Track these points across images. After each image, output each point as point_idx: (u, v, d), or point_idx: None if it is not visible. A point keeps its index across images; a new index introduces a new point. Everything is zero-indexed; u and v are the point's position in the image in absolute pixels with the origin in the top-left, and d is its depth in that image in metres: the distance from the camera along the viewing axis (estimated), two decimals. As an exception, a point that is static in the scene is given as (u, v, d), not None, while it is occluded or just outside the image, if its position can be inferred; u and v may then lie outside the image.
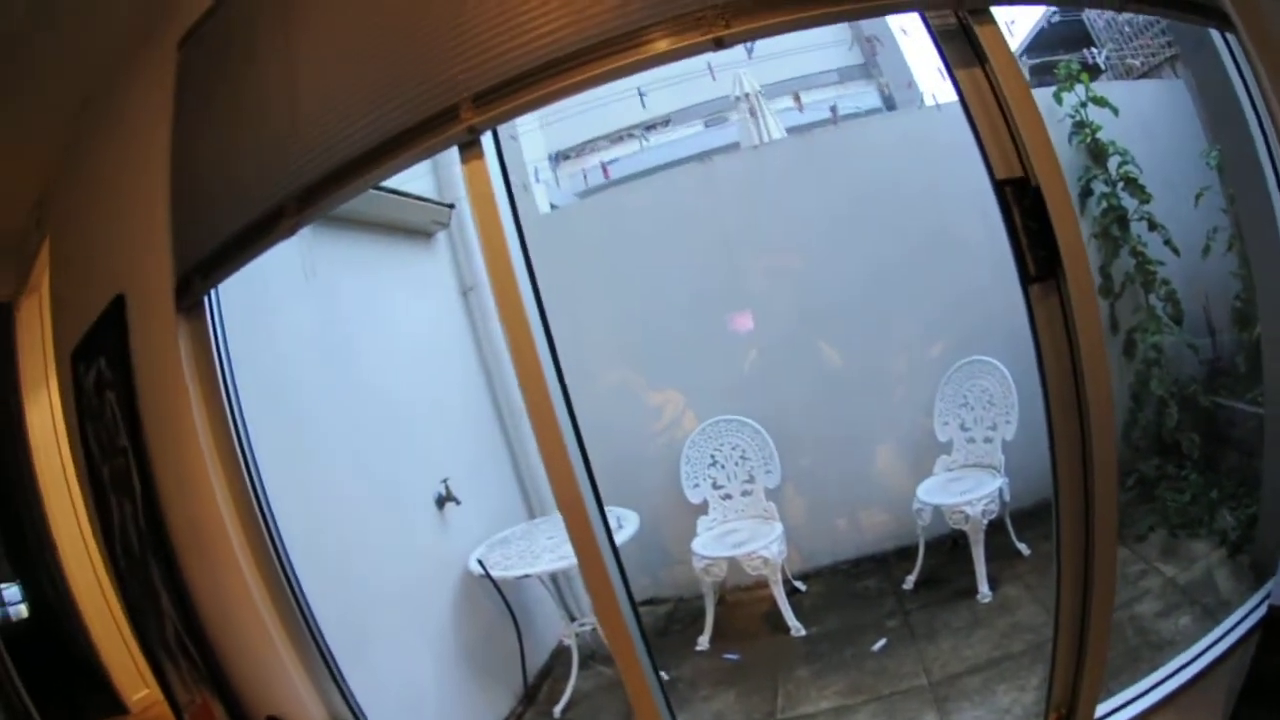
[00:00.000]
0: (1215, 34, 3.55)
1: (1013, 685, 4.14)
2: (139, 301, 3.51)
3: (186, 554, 3.46)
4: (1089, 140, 6.00)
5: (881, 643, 4.99)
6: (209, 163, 3.34)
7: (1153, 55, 7.09)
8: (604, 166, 8.27)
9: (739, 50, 2.45)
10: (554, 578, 5.33)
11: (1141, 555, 4.98)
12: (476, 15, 2.65)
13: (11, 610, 5.36)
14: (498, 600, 5.25)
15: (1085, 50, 7.14)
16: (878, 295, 6.13)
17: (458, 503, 5.21)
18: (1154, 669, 3.36)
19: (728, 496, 6.09)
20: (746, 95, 7.86)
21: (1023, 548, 5.46)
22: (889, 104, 10.42)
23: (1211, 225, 5.41)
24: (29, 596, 5.38)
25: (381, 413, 5.00)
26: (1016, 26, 7.55)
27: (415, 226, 6.03)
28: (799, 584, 6.11)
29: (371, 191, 2.96)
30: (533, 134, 9.18)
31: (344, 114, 2.86)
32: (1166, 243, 5.74)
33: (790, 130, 7.88)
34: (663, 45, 2.47)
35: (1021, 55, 7.93)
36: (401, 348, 5.48)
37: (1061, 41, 7.86)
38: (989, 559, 5.15)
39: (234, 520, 3.32)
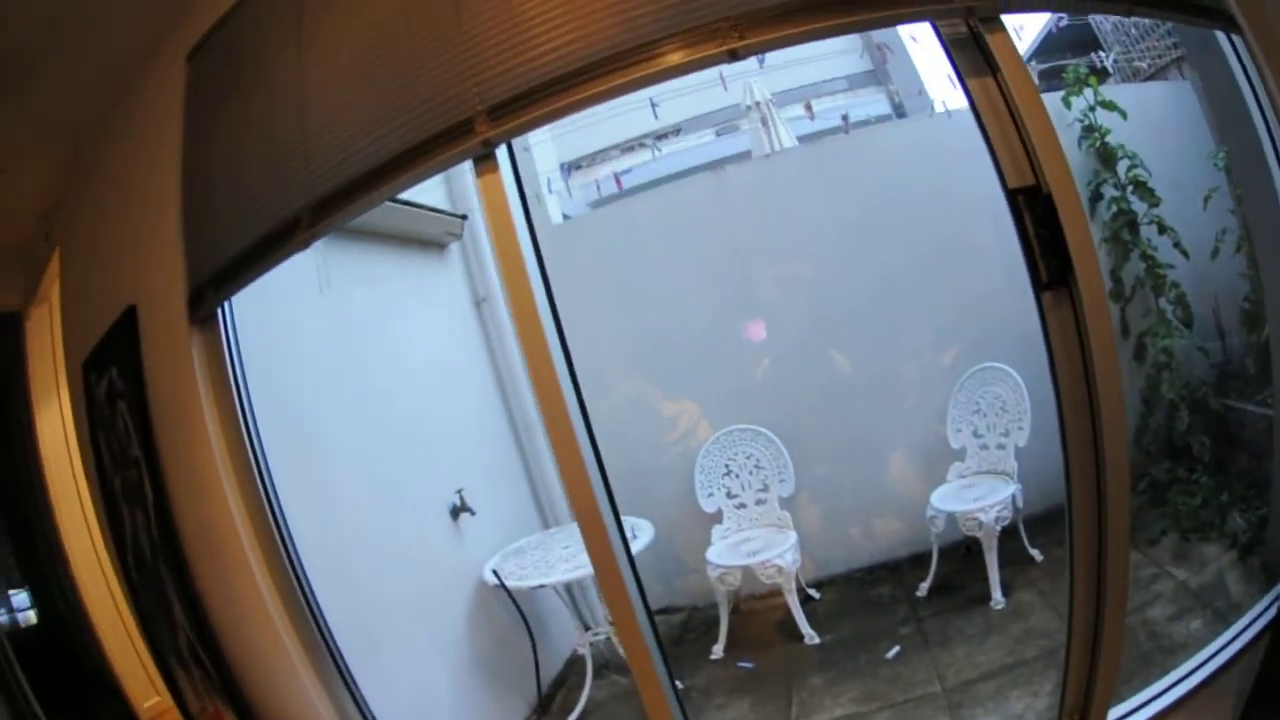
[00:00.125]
0: (1221, 35, 3.55)
1: (1026, 691, 4.14)
2: (151, 313, 3.54)
3: (199, 563, 3.48)
4: (1098, 144, 6.00)
5: (895, 650, 4.99)
6: (221, 175, 3.35)
7: (1159, 57, 7.09)
8: (617, 177, 8.25)
9: (750, 59, 2.44)
10: (568, 587, 5.33)
11: (1153, 559, 4.97)
12: (489, 29, 2.66)
13: (20, 616, 5.38)
14: (512, 610, 5.26)
15: (1093, 54, 7.13)
16: (890, 303, 6.12)
17: (472, 513, 5.21)
18: (1166, 673, 3.36)
19: (742, 505, 6.09)
20: (757, 104, 7.86)
21: (1036, 554, 5.45)
22: (899, 111, 10.39)
23: (1220, 227, 5.40)
24: (38, 604, 5.40)
25: (395, 423, 5.01)
26: (1024, 31, 7.56)
27: (428, 238, 6.04)
28: (813, 592, 6.11)
29: (385, 203, 2.95)
30: (544, 144, 9.17)
31: (358, 127, 2.87)
32: (1176, 245, 5.74)
33: (801, 138, 7.86)
34: (677, 58, 2.48)
35: (1029, 60, 7.93)
36: (415, 358, 5.49)
37: (1069, 45, 7.86)
38: (1002, 565, 5.14)
39: (247, 530, 3.33)
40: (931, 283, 6.06)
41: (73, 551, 4.97)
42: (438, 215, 5.93)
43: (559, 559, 5.19)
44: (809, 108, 7.61)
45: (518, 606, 5.25)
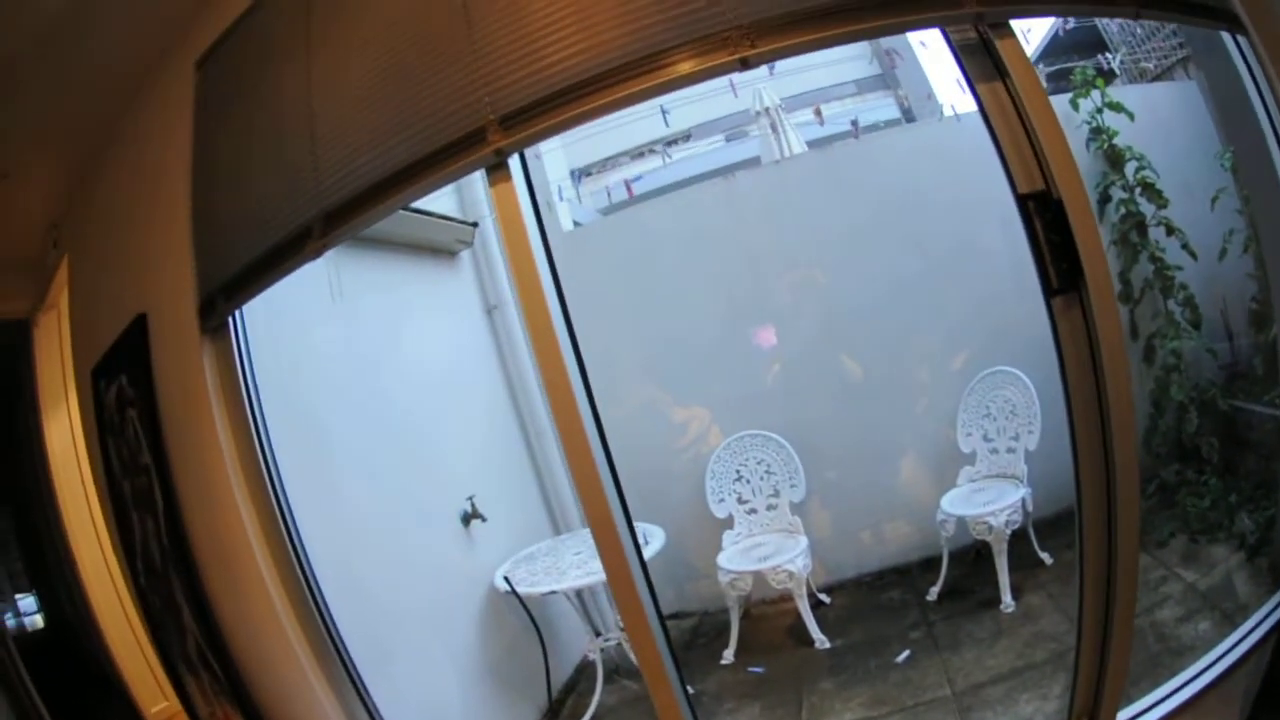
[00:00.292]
0: (1226, 35, 3.55)
1: (1035, 694, 4.13)
2: (162, 321, 3.55)
3: (209, 569, 3.50)
4: (1106, 146, 6.00)
5: (905, 654, 4.98)
6: (231, 182, 3.37)
7: (1165, 57, 7.08)
8: (627, 183, 8.24)
9: (760, 66, 2.47)
10: (579, 593, 5.32)
11: (1162, 561, 4.97)
12: (500, 38, 2.68)
13: (27, 620, 5.40)
14: (522, 615, 5.26)
15: (1099, 55, 7.13)
16: (900, 307, 6.12)
17: (483, 519, 5.22)
18: (1174, 675, 3.36)
19: (753, 511, 6.08)
20: (767, 109, 7.87)
21: (1045, 557, 5.44)
22: (908, 116, 10.39)
23: (1227, 227, 5.40)
24: (46, 608, 5.41)
25: (407, 430, 5.03)
26: (1031, 34, 7.55)
27: (439, 245, 6.05)
28: (824, 597, 6.10)
29: (396, 211, 2.96)
30: (555, 152, 9.18)
31: (369, 136, 2.88)
32: (1184, 247, 5.73)
33: (811, 143, 7.86)
34: (688, 66, 2.50)
35: (1037, 62, 7.93)
36: (426, 366, 5.50)
37: (1075, 47, 7.84)
38: (1012, 569, 5.13)
39: (258, 535, 3.34)
40: (941, 287, 6.06)
41: (80, 556, 4.96)
42: (449, 223, 5.95)
43: (570, 565, 5.19)
44: (818, 113, 7.60)
45: (529, 612, 5.26)
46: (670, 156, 10.02)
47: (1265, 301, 5.12)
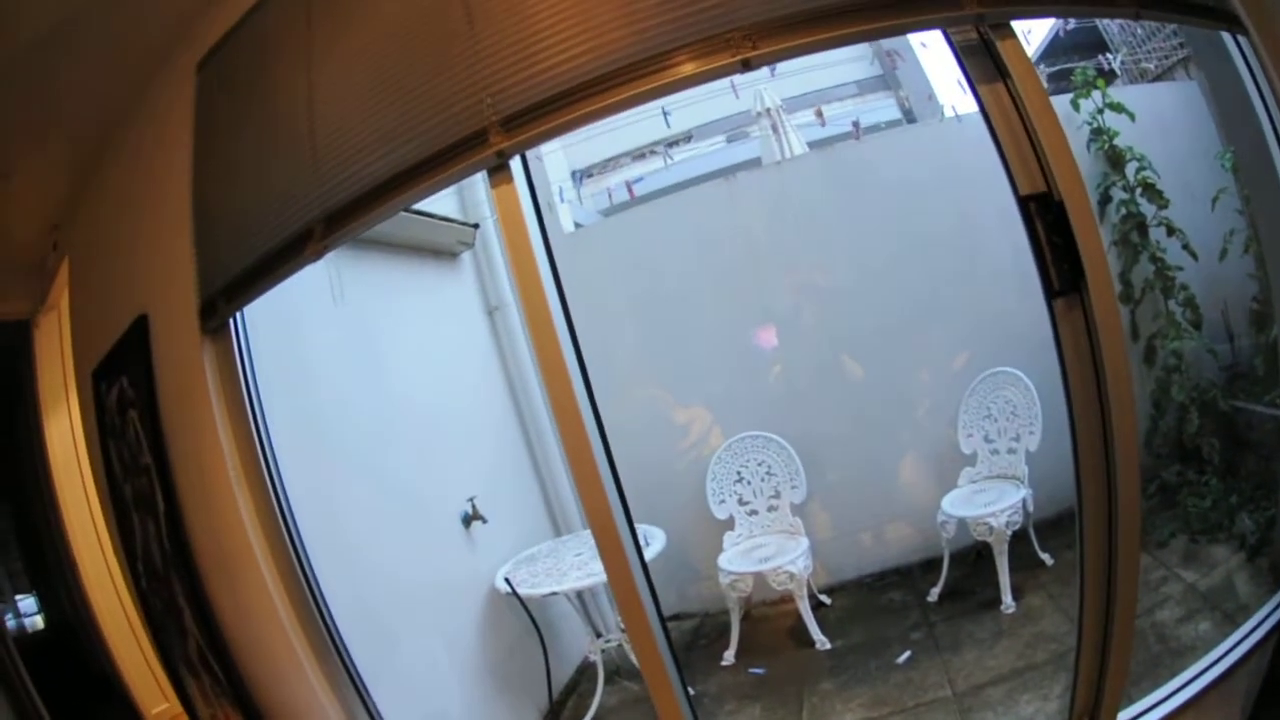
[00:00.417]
0: (1227, 35, 3.56)
1: (1036, 695, 4.13)
2: (163, 322, 3.55)
3: (210, 571, 3.49)
4: (1106, 147, 6.00)
5: (906, 655, 4.98)
6: (232, 185, 3.37)
7: (1166, 58, 7.09)
8: (628, 185, 8.24)
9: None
10: (580, 594, 5.32)
11: (1163, 561, 4.97)
12: (502, 40, 2.68)
13: (27, 622, 5.40)
14: (523, 616, 5.26)
15: (1100, 56, 7.13)
16: (901, 308, 6.13)
17: (484, 521, 5.22)
18: (1175, 675, 3.36)
19: (754, 512, 6.08)
20: (768, 110, 7.88)
21: (1046, 557, 5.44)
22: (909, 117, 10.40)
23: (1228, 228, 5.40)
24: (46, 609, 5.41)
25: (407, 432, 5.03)
26: (1032, 35, 7.55)
27: (440, 247, 6.06)
28: (824, 598, 6.10)
29: (398, 213, 2.96)
30: (556, 153, 9.18)
31: (370, 138, 2.89)
32: (1185, 247, 5.73)
33: (812, 144, 7.86)
34: (690, 68, 2.51)
35: (1037, 63, 7.93)
36: (427, 367, 5.51)
37: (1076, 47, 7.85)
38: (1013, 569, 5.13)
39: (259, 537, 3.34)
40: (942, 288, 6.07)
41: (81, 557, 4.97)
42: (450, 224, 5.95)
43: (571, 566, 5.20)
44: (820, 114, 7.60)
45: (529, 613, 5.26)
46: (671, 158, 10.02)
47: (1266, 302, 5.12)
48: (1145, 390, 5.87)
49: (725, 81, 3.34)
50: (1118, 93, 6.10)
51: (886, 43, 9.38)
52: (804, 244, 6.37)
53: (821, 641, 5.36)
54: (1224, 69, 3.72)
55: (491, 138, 2.64)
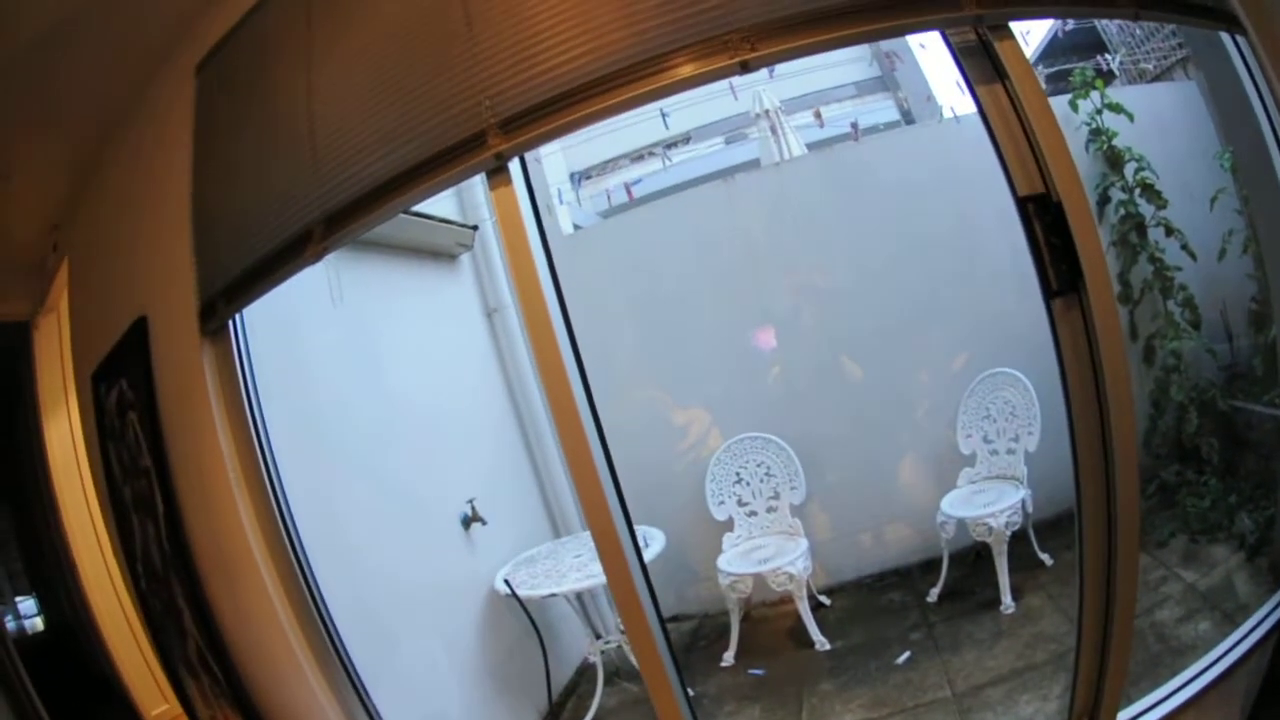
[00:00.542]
0: (1226, 36, 3.56)
1: (1035, 695, 4.14)
2: (162, 324, 3.55)
3: (210, 573, 3.49)
4: (1105, 147, 6.00)
5: (906, 655, 4.98)
6: (231, 187, 3.37)
7: (1165, 58, 7.10)
8: (627, 186, 8.23)
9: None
10: (579, 596, 5.32)
11: (1162, 561, 4.97)
12: (501, 42, 2.68)
13: (27, 623, 5.40)
14: (523, 618, 5.27)
15: (1099, 56, 7.13)
16: (900, 309, 6.13)
17: (484, 523, 5.22)
18: (1175, 675, 3.36)
19: (753, 513, 6.08)
20: (767, 112, 7.88)
21: (1045, 558, 5.45)
22: (908, 118, 10.41)
23: (1227, 228, 5.41)
24: (46, 610, 5.41)
25: (407, 434, 5.03)
26: (1030, 35, 7.55)
27: (439, 249, 6.06)
28: (824, 599, 6.10)
29: (397, 215, 2.96)
30: (554, 155, 9.18)
31: (370, 139, 2.89)
32: (1184, 248, 5.74)
33: (811, 146, 7.87)
34: (689, 70, 2.51)
35: (1036, 63, 7.93)
36: (426, 369, 5.51)
37: (1075, 48, 7.85)
38: (1012, 570, 5.13)
39: (258, 539, 3.34)
40: (941, 288, 6.08)
41: (81, 559, 4.96)
42: (449, 226, 5.95)
43: (570, 568, 5.19)
44: (818, 115, 7.60)
45: (529, 615, 5.26)
46: (670, 159, 10.03)
47: (1265, 302, 5.13)
48: (1144, 390, 5.88)
49: (724, 83, 3.35)
50: (1116, 93, 6.11)
51: (885, 44, 9.40)
52: (803, 245, 6.37)
53: (821, 642, 5.36)
54: (1223, 69, 3.72)
55: (490, 140, 2.64)
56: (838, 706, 4.70)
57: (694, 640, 6.16)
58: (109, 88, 3.75)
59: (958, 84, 2.89)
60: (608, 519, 2.75)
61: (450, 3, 2.81)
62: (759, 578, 5.44)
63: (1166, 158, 5.96)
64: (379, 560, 4.32)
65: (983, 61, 2.71)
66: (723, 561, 5.69)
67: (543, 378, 2.74)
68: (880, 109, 11.14)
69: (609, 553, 2.77)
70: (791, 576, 5.32)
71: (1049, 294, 2.69)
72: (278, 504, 3.38)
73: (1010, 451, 5.60)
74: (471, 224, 6.25)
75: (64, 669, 5.03)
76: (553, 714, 5.36)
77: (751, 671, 5.38)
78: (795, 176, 6.76)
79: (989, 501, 5.29)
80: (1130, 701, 3.22)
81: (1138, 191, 5.87)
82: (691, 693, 4.16)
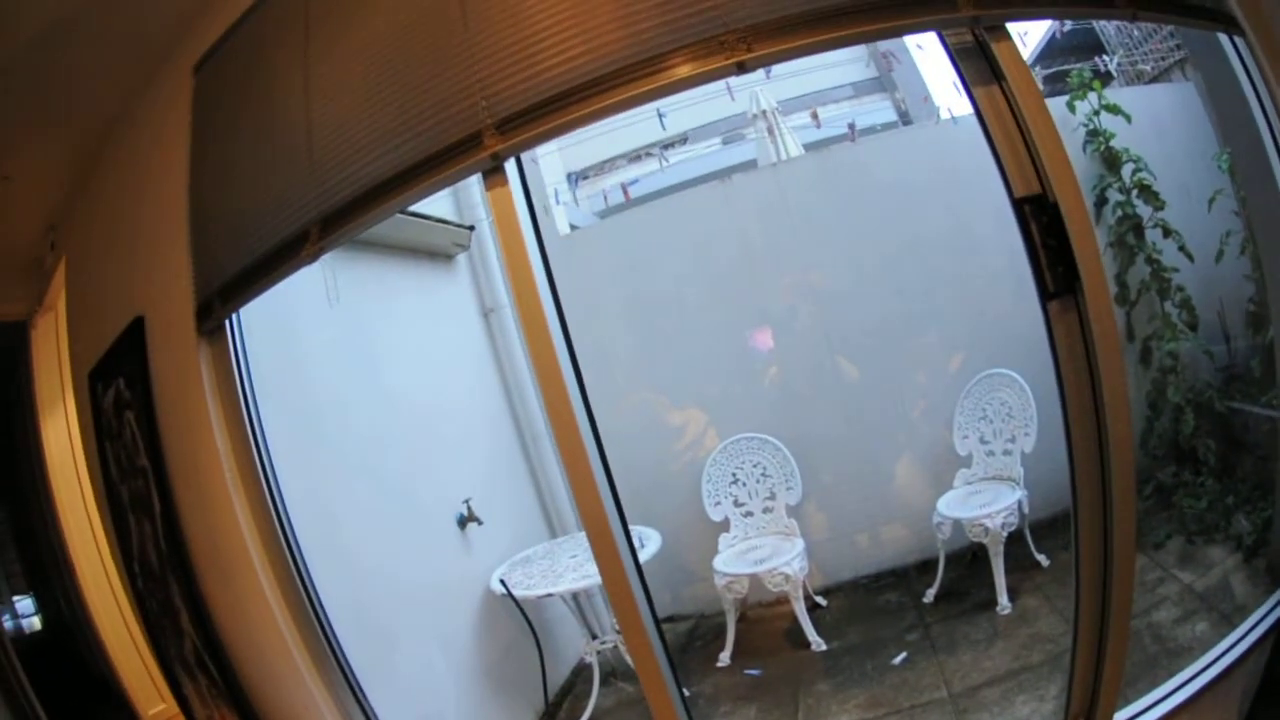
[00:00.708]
0: (1224, 37, 3.56)
1: (1032, 696, 4.14)
2: (159, 324, 3.55)
3: (207, 573, 3.49)
4: (1103, 148, 6.01)
5: (902, 656, 4.99)
6: (228, 186, 3.36)
7: (1162, 59, 7.09)
8: (624, 187, 8.24)
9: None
10: (575, 596, 5.31)
11: (1159, 562, 4.97)
12: (497, 42, 2.68)
13: (25, 623, 5.40)
14: (519, 618, 5.26)
15: (1096, 57, 7.13)
16: (897, 309, 6.14)
17: (480, 523, 5.22)
18: (1172, 676, 3.36)
19: (749, 514, 6.09)
20: (764, 112, 7.89)
21: (1042, 559, 5.45)
22: (905, 119, 10.43)
23: (1224, 229, 5.41)
24: (43, 610, 5.42)
25: (403, 434, 5.03)
26: (1028, 37, 7.55)
27: (436, 249, 6.05)
28: (820, 599, 6.11)
29: (394, 215, 2.96)
30: (551, 155, 9.19)
31: (366, 140, 2.89)
32: (1181, 249, 5.74)
33: (808, 146, 7.88)
34: (685, 70, 2.51)
35: (1033, 64, 7.92)
36: (423, 369, 5.51)
37: (1073, 49, 7.85)
38: (1008, 571, 5.13)
39: (255, 538, 3.34)
40: (938, 289, 6.09)
41: (78, 558, 4.97)
42: (445, 226, 5.94)
43: (566, 568, 5.19)
44: (815, 115, 7.60)
45: (525, 615, 5.26)
46: (667, 160, 10.02)
47: (1262, 303, 5.12)
48: (1141, 392, 5.88)
49: (720, 84, 3.36)
50: (1114, 94, 6.11)
51: (883, 45, 9.41)
52: (800, 246, 6.37)
53: (817, 643, 5.37)
54: (1221, 70, 3.72)
55: (486, 140, 2.64)
56: (834, 707, 4.70)
57: (690, 640, 6.16)
58: (107, 88, 3.75)
59: (955, 85, 2.90)
60: (603, 519, 2.75)
61: (448, 3, 2.81)
62: (755, 578, 5.44)
63: (1164, 159, 5.96)
64: (375, 560, 4.32)
65: (979, 62, 2.71)
66: (719, 562, 5.70)
67: (539, 378, 2.73)
68: (878, 110, 11.16)
69: (604, 553, 2.77)
70: (787, 577, 5.32)
71: (1045, 296, 2.69)
72: (274, 503, 3.38)
73: (1007, 452, 5.61)
74: (468, 224, 6.25)
75: (61, 668, 5.05)
76: (549, 714, 5.36)
77: (748, 672, 5.38)
78: (792, 177, 6.75)
79: (985, 502, 5.29)
80: (1127, 703, 3.22)
81: (1135, 193, 5.87)
82: (687, 693, 4.15)
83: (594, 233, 8.00)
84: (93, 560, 4.88)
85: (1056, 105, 5.96)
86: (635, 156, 11.35)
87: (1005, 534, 5.09)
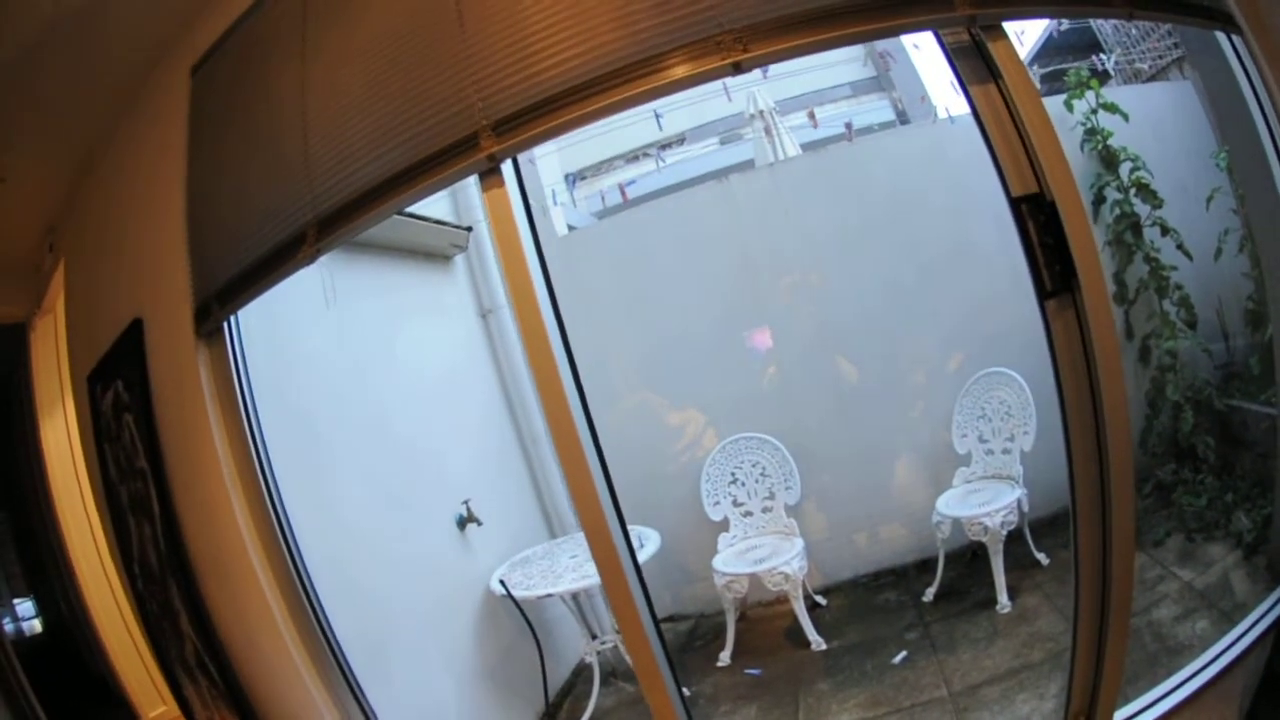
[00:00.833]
0: (1221, 35, 3.56)
1: (1032, 694, 4.14)
2: (157, 326, 3.55)
3: (207, 574, 3.49)
4: (1100, 147, 6.01)
5: (902, 655, 4.98)
6: (225, 188, 3.37)
7: (1160, 58, 7.11)
8: (621, 187, 8.25)
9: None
10: (575, 596, 5.31)
11: (1159, 560, 4.97)
12: (494, 42, 2.68)
13: (25, 625, 5.40)
14: (519, 619, 5.26)
15: (1094, 56, 7.14)
16: (895, 309, 6.14)
17: (479, 523, 5.22)
18: (1172, 674, 3.36)
19: (748, 513, 6.09)
20: (761, 113, 7.89)
21: (1042, 557, 5.45)
22: (902, 118, 10.43)
23: (1223, 227, 5.41)
24: (43, 612, 5.42)
25: (402, 435, 5.03)
26: (1025, 35, 7.56)
27: (434, 250, 6.05)
28: (819, 599, 6.12)
29: (391, 216, 2.96)
30: (549, 156, 9.20)
31: (363, 141, 2.88)
32: (1179, 247, 5.75)
33: (805, 146, 7.90)
34: (682, 70, 2.50)
35: (1031, 63, 7.93)
36: (421, 371, 5.51)
37: (1070, 48, 7.87)
38: (1008, 569, 5.13)
39: (254, 540, 3.34)
40: (936, 289, 6.09)
41: (78, 560, 4.97)
42: (443, 227, 5.94)
43: (566, 568, 5.19)
44: (812, 115, 7.61)
45: (525, 616, 5.25)
46: (664, 160, 10.02)
47: (1261, 301, 5.13)
48: (1140, 390, 5.89)
49: (718, 85, 3.36)
50: (1112, 93, 6.12)
51: (880, 44, 9.42)
52: (797, 246, 6.38)
53: (817, 642, 5.37)
54: (1218, 68, 3.72)
55: (483, 142, 2.64)
56: (834, 706, 4.70)
57: (690, 640, 6.16)
58: (106, 89, 3.75)
59: (952, 84, 2.90)
60: (602, 521, 2.75)
61: (444, 4, 2.81)
62: (755, 578, 5.44)
63: (1162, 157, 5.96)
64: (374, 561, 4.32)
65: (976, 62, 2.71)
66: (718, 562, 5.70)
67: (536, 379, 2.73)
68: (875, 109, 11.18)
69: (603, 553, 2.76)
70: (787, 576, 5.32)
71: (1043, 294, 2.69)
72: (273, 505, 3.38)
73: (1006, 451, 5.61)
74: (466, 225, 6.24)
75: (62, 671, 5.05)
76: (549, 714, 5.36)
77: (748, 671, 5.38)
78: (790, 177, 6.74)
79: (985, 501, 5.29)
80: (1127, 701, 3.22)
81: (1133, 191, 5.88)
82: (687, 692, 4.16)
83: (592, 233, 7.99)
84: (93, 562, 4.89)
85: (1054, 104, 5.97)
86: (633, 157, 11.38)
87: (1005, 532, 5.09)
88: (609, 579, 2.79)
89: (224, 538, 3.35)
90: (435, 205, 6.00)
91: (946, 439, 5.92)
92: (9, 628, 5.30)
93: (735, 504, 6.11)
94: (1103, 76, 6.82)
